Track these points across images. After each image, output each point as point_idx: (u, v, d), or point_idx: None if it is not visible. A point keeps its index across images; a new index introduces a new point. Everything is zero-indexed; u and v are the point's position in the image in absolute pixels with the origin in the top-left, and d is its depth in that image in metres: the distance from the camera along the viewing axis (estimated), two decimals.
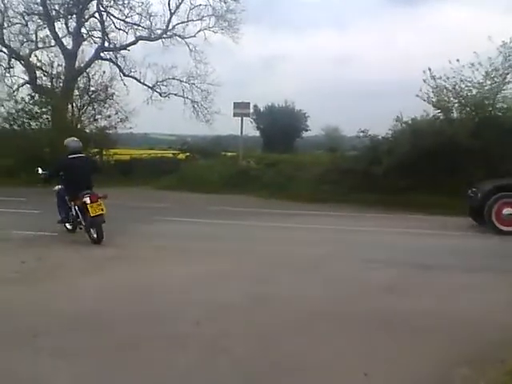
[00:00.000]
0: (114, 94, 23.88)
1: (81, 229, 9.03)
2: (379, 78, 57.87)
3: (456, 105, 15.93)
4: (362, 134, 16.73)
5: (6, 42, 24.29)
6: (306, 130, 32.64)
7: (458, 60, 15.05)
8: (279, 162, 18.94)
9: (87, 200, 8.52)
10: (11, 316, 5.01)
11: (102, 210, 8.62)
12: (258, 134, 32.03)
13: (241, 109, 19.66)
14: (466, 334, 4.65)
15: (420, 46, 57.02)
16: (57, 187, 9.39)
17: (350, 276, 6.82)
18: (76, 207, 8.82)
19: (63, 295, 5.75)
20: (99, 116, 23.62)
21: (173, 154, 24.78)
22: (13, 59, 24.78)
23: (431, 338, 4.55)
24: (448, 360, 4.05)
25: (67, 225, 9.45)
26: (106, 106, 23.68)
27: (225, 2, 25.27)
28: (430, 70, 15.72)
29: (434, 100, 15.93)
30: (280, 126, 29.37)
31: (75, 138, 9.58)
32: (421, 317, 5.09)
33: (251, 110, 23.40)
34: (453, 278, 6.73)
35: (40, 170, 9.50)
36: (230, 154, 23.60)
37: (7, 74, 24.51)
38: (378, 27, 63.92)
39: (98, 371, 3.84)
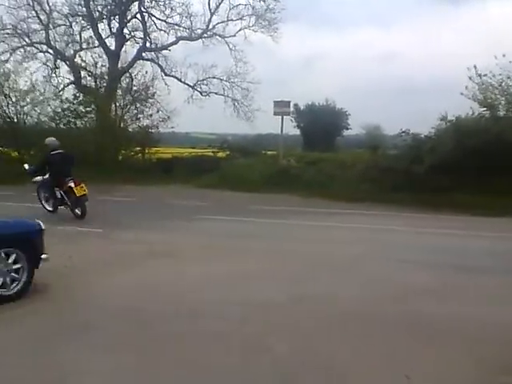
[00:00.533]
0: (155, 93, 24.20)
1: (66, 208, 10.76)
2: (421, 75, 56.74)
3: (503, 102, 15.51)
4: (403, 134, 16.49)
5: (52, 43, 24.96)
6: (347, 129, 32.30)
7: (504, 55, 14.64)
8: (319, 161, 18.82)
9: (72, 184, 10.57)
10: (62, 310, 5.17)
11: (85, 191, 10.61)
12: (298, 132, 31.89)
13: (281, 107, 19.61)
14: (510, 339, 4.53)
15: (463, 44, 55.55)
16: (37, 178, 11.18)
17: (387, 277, 6.73)
18: (60, 192, 10.74)
19: (106, 291, 5.88)
20: (141, 115, 23.98)
21: (213, 152, 24.91)
22: (58, 60, 25.44)
23: (472, 342, 4.45)
24: (490, 366, 3.96)
25: (47, 207, 11.07)
26: (148, 105, 24.01)
27: (264, 1, 25.24)
28: (475, 67, 15.37)
29: (479, 98, 15.54)
30: (320, 125, 29.16)
31: (53, 138, 11.60)
32: (460, 320, 4.99)
33: (291, 109, 23.35)
34: (491, 281, 6.56)
35: (27, 166, 11.50)
36: (270, 152, 23.54)
37: (53, 75, 25.18)
38: (420, 25, 62.54)
39: (141, 367, 3.92)
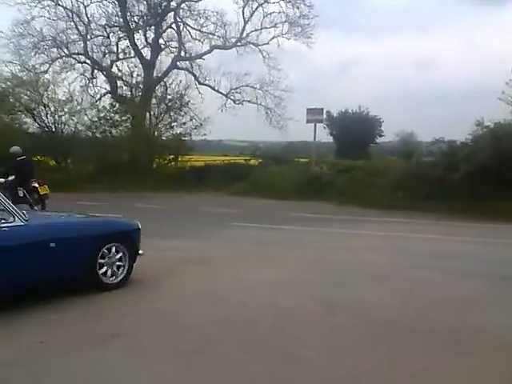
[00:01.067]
0: (189, 101, 24.57)
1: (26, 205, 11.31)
2: (457, 80, 55.92)
3: None
4: (439, 141, 16.26)
5: (90, 53, 25.60)
6: (381, 136, 32.03)
7: None
8: (352, 168, 18.71)
9: (36, 184, 12.42)
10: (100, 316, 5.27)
11: (47, 190, 12.56)
12: (331, 139, 31.79)
13: (314, 115, 19.61)
14: None
15: (503, 48, 54.44)
16: (1, 180, 12.48)
17: (422, 286, 6.61)
18: (23, 191, 12.22)
19: (144, 296, 5.97)
20: (175, 123, 24.39)
21: (245, 160, 25.04)
22: (95, 70, 26.07)
23: None
24: None
25: None
26: (182, 113, 24.40)
27: (298, 8, 25.39)
28: None
29: None
30: (353, 132, 29.00)
31: (18, 147, 13.02)
32: (505, 330, 4.86)
33: (324, 116, 23.30)
34: None
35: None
36: (302, 160, 23.53)
37: (90, 85, 25.83)
38: (458, 28, 61.83)
39: (173, 372, 3.97)
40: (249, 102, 26.66)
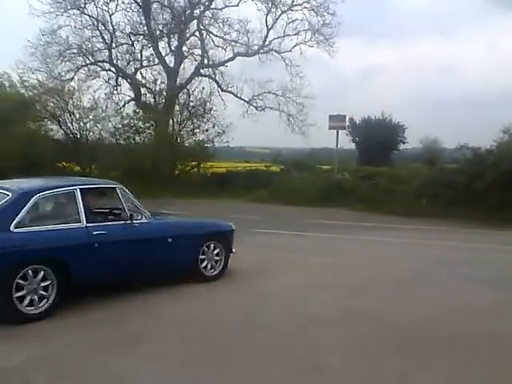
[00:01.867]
0: (211, 108, 24.69)
1: None
2: (482, 86, 55.24)
3: None
4: (463, 147, 16.05)
5: (114, 61, 25.93)
6: (404, 143, 31.81)
7: None
8: (375, 175, 18.60)
9: None
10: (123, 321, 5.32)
11: None
12: (353, 146, 31.67)
13: (336, 122, 19.55)
14: None
15: None
16: None
17: (445, 293, 6.53)
18: None
19: (168, 301, 6.01)
20: (197, 130, 24.52)
21: (266, 166, 25.05)
22: (120, 78, 26.39)
23: None
24: None
25: None
26: (205, 120, 24.52)
27: (321, 17, 25.37)
28: None
29: None
30: (376, 139, 28.84)
31: None
32: None
33: (347, 123, 23.21)
34: None
35: None
36: (324, 167, 23.47)
37: (115, 92, 26.12)
38: (483, 34, 61.08)
39: (194, 377, 3.98)
40: (271, 108, 26.71)
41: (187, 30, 26.10)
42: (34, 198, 5.36)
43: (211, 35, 26.25)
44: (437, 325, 5.25)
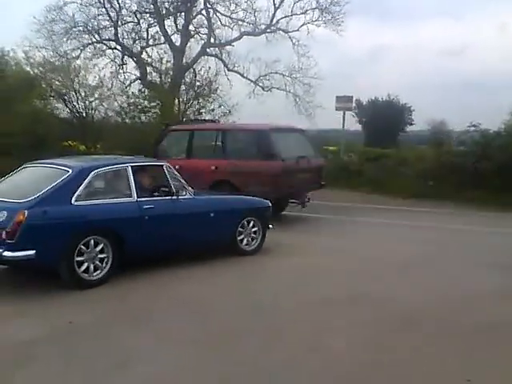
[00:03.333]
0: (218, 88, 24.48)
1: None
2: (493, 68, 54.35)
3: None
4: (472, 129, 15.87)
5: (120, 40, 25.73)
6: (411, 124, 31.57)
7: None
8: (381, 157, 18.45)
9: None
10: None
11: None
12: (360, 128, 31.45)
13: (343, 102, 19.36)
14: None
15: None
16: None
17: (455, 278, 6.51)
18: None
19: (180, 280, 6.02)
20: (203, 110, 24.33)
21: None
22: (126, 56, 26.20)
23: None
24: None
25: None
26: (211, 100, 24.31)
27: None
28: None
29: None
30: (383, 120, 28.63)
31: None
32: None
33: (354, 104, 23.02)
34: None
35: None
36: (331, 148, 23.32)
37: (120, 71, 25.96)
38: (493, 16, 59.92)
39: (199, 356, 3.99)
40: (277, 89, 26.49)
41: (194, 9, 25.82)
42: (92, 174, 5.86)
43: (218, 14, 25.98)
44: (448, 309, 5.24)
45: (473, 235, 9.57)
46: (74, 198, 5.57)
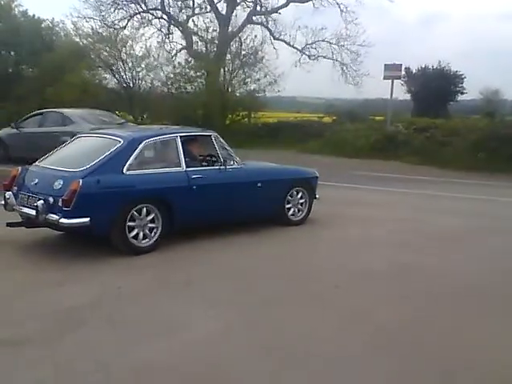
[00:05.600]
0: (263, 57, 24.29)
1: None
2: None
3: None
4: None
5: (166, 9, 25.74)
6: (462, 93, 30.45)
7: None
8: (430, 127, 17.95)
9: None
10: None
11: None
12: (408, 97, 30.63)
13: (392, 71, 18.85)
14: None
15: None
16: None
17: (503, 251, 6.33)
18: None
19: (221, 249, 6.10)
20: (249, 79, 24.22)
21: (318, 117, 24.62)
22: (172, 26, 26.23)
23: None
24: None
25: None
26: (256, 69, 24.17)
27: None
28: None
29: None
30: (433, 89, 27.72)
31: None
32: None
33: (403, 73, 22.39)
34: None
35: None
36: (378, 118, 22.87)
37: (166, 40, 26.07)
38: None
39: (243, 322, 4.05)
40: (324, 57, 26.04)
41: None
42: (142, 144, 5.94)
43: None
44: (494, 283, 5.12)
45: None
46: (125, 168, 5.70)
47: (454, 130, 17.39)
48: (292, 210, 7.35)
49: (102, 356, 3.44)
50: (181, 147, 6.20)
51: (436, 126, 18.18)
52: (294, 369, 3.34)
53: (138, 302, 4.42)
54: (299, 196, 7.41)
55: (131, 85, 23.35)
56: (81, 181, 5.31)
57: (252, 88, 24.26)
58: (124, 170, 5.69)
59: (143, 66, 23.28)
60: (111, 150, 5.77)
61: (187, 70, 23.20)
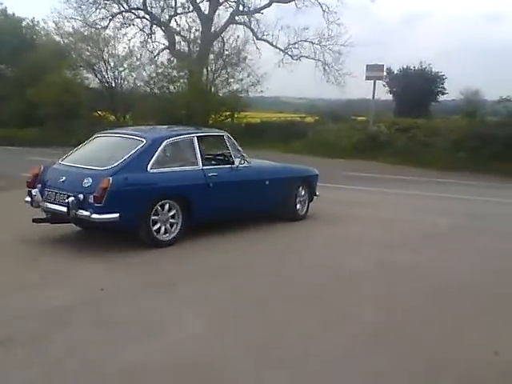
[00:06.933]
0: (246, 57, 24.27)
1: None
2: None
3: None
4: (505, 100, 15.49)
5: (149, 8, 25.60)
6: (443, 94, 30.74)
7: None
8: (412, 128, 18.14)
9: None
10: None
11: None
12: (390, 97, 30.86)
13: (374, 71, 19.01)
14: None
15: None
16: None
17: (485, 249, 6.44)
18: None
19: (205, 250, 6.12)
20: (232, 79, 24.19)
21: (301, 117, 24.70)
22: (154, 25, 26.10)
23: None
24: None
25: None
26: (239, 69, 24.14)
27: None
28: None
29: None
30: (414, 90, 27.93)
31: None
32: None
33: (385, 73, 22.58)
34: None
35: None
36: (360, 118, 23.03)
37: (149, 40, 25.94)
38: None
39: (229, 322, 4.08)
40: (306, 57, 26.13)
41: None
42: (164, 144, 6.26)
43: None
44: (480, 281, 5.21)
45: (505, 207, 9.41)
46: (149, 166, 5.97)
47: (435, 130, 17.61)
48: (298, 205, 7.72)
49: (89, 355, 3.44)
50: (198, 146, 6.54)
51: (418, 126, 18.38)
52: (289, 368, 3.37)
53: (125, 302, 4.42)
54: (303, 193, 7.79)
55: (113, 84, 23.21)
56: (110, 179, 5.58)
57: (235, 88, 24.23)
58: (148, 168, 5.97)
59: (125, 65, 23.18)
60: (135, 149, 6.04)
61: (170, 70, 23.11)
